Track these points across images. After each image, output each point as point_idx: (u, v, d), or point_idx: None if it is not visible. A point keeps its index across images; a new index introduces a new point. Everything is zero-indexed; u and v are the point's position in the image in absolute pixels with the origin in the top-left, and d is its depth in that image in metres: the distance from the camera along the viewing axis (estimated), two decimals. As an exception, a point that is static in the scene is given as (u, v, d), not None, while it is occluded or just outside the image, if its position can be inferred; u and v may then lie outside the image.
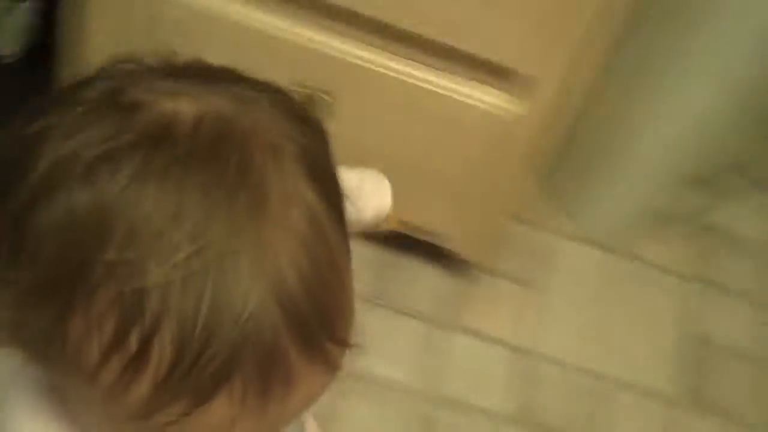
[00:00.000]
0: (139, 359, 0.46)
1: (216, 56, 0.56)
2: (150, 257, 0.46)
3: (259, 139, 0.50)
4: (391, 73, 1.31)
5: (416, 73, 1.31)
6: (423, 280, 1.66)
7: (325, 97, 1.31)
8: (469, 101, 1.33)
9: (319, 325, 0.50)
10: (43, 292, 0.48)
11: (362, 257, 1.57)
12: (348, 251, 0.54)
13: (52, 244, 0.48)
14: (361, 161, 0.86)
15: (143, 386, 0.47)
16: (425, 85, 1.32)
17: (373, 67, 1.31)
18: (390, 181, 0.97)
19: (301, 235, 0.49)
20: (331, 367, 0.52)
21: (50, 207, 0.48)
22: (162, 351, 0.46)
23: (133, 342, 0.46)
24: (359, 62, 1.31)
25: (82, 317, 0.47)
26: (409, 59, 1.30)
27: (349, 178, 0.60)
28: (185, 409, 0.47)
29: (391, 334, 1.58)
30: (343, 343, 0.52)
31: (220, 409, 0.48)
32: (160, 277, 0.46)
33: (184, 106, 0.50)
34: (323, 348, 0.50)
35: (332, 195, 0.54)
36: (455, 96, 1.33)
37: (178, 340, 0.46)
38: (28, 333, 0.50)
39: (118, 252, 0.46)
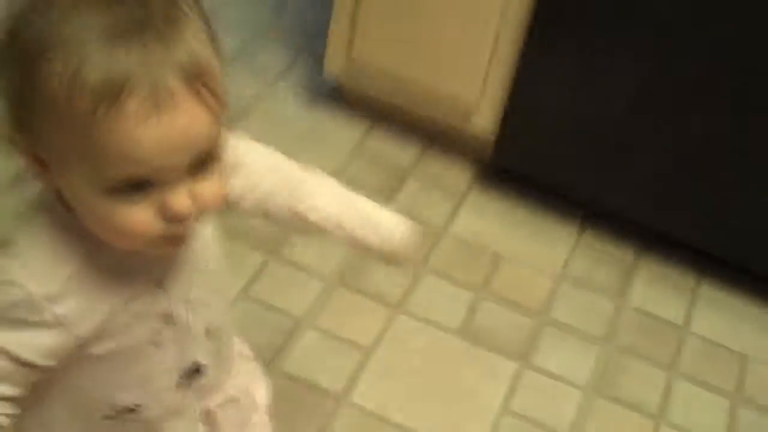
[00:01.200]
0: (103, 100, 0.80)
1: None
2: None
3: None
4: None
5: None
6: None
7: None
8: None
9: (196, 75, 0.83)
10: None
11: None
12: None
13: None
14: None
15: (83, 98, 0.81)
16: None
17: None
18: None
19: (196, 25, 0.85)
20: (210, 110, 0.84)
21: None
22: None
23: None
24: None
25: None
26: None
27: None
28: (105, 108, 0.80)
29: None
30: (216, 95, 0.85)
31: (130, 110, 0.80)
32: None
33: None
34: (200, 91, 0.83)
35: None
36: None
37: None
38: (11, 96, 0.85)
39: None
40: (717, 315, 2.17)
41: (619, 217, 2.26)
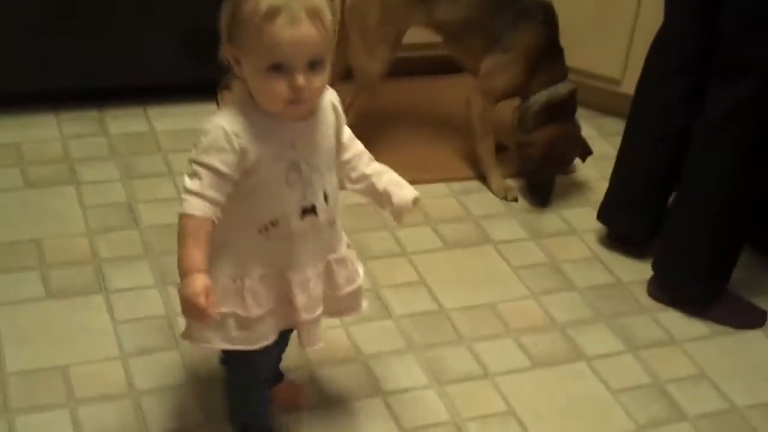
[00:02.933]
0: (266, 16, 1.49)
1: None
2: None
3: None
4: None
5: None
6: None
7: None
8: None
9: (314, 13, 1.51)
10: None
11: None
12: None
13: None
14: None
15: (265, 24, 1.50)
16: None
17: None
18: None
19: None
20: (319, 32, 1.51)
21: None
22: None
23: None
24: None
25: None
26: None
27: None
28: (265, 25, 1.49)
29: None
30: (324, 26, 1.51)
31: (278, 23, 1.49)
32: None
33: None
34: (314, 20, 1.51)
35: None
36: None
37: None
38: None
39: None
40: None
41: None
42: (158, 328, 2.18)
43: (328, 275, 1.75)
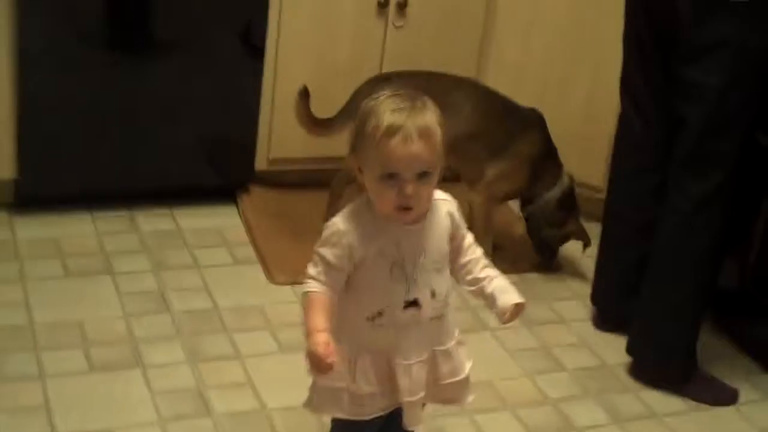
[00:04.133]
0: (384, 134, 1.73)
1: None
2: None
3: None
4: None
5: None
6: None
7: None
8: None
9: (426, 133, 1.75)
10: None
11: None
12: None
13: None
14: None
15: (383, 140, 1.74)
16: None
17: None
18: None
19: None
20: (429, 150, 1.74)
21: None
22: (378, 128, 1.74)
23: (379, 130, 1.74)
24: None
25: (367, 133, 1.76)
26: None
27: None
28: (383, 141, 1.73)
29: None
30: (433, 144, 1.75)
31: (395, 141, 1.72)
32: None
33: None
34: (426, 139, 1.75)
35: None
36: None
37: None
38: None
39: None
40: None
41: None
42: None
43: (432, 364, 1.92)
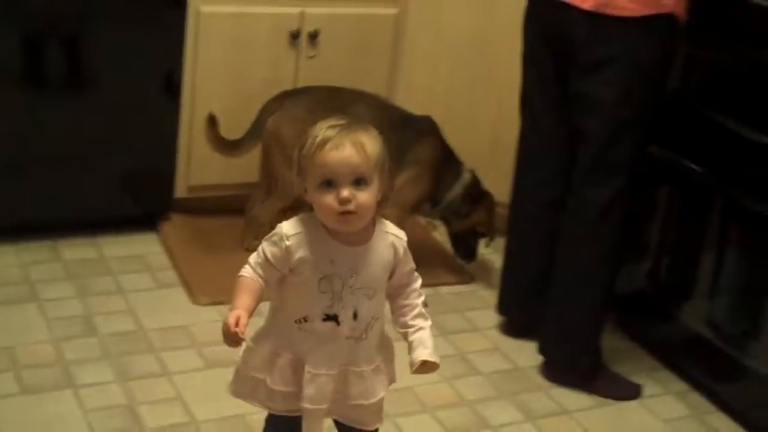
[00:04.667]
0: (318, 145, 1.88)
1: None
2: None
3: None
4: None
5: None
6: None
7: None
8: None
9: (358, 143, 1.88)
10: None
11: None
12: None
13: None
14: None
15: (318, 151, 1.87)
16: None
17: None
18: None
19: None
20: (360, 156, 1.86)
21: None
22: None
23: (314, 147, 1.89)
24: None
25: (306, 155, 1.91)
26: None
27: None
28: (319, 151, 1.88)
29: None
30: (366, 152, 1.88)
31: (327, 149, 1.87)
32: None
33: None
34: (357, 147, 1.87)
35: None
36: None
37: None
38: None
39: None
40: None
41: None
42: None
43: (343, 382, 2.01)
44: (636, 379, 2.91)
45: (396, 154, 3.19)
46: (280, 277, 1.95)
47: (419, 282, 2.05)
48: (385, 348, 2.07)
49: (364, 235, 1.96)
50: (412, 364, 1.97)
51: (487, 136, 3.59)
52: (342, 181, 1.87)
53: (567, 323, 2.82)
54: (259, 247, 1.95)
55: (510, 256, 3.04)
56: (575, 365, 2.85)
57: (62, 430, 2.43)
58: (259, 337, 2.00)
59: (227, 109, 3.31)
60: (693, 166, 2.86)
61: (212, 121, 3.24)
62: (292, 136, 3.14)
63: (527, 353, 2.97)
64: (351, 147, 1.87)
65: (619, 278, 2.92)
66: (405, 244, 2.01)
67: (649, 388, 2.90)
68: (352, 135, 1.89)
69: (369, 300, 1.97)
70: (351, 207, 1.87)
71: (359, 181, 1.88)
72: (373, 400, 2.04)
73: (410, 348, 1.99)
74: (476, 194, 3.36)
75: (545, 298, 2.89)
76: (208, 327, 2.91)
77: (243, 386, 2.05)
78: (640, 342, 3.10)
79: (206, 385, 2.66)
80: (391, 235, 2.00)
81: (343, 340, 1.97)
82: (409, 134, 3.25)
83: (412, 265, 2.04)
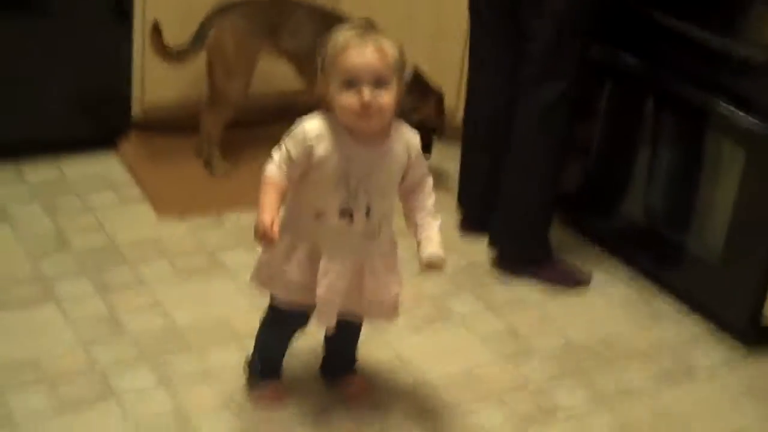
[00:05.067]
0: (342, 48, 2.04)
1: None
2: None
3: None
4: None
5: None
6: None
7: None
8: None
9: (379, 46, 2.04)
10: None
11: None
12: None
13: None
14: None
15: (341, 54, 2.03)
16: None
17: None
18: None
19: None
20: (382, 58, 2.02)
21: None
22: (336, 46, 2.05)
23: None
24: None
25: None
26: None
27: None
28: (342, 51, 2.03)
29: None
30: (386, 55, 2.03)
31: (351, 52, 2.02)
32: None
33: None
34: (379, 50, 2.03)
35: None
36: None
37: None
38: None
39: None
40: None
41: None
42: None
43: (358, 278, 2.17)
44: (583, 266, 3.10)
45: None
46: (300, 173, 2.08)
47: (431, 183, 2.21)
48: (395, 249, 2.24)
49: (382, 137, 2.10)
50: (421, 261, 2.14)
51: (428, 42, 3.68)
52: (363, 82, 1.99)
53: (517, 214, 3.00)
54: (282, 145, 2.09)
55: (466, 152, 3.20)
56: (526, 255, 3.03)
57: (48, 337, 2.53)
58: (283, 224, 2.11)
59: (174, 19, 3.35)
60: (629, 60, 3.02)
61: (156, 30, 3.30)
62: (234, 47, 3.29)
63: (482, 250, 3.13)
64: (373, 50, 2.00)
65: (564, 175, 3.10)
66: (419, 147, 2.15)
67: (597, 276, 3.09)
68: (373, 38, 2.01)
69: (382, 199, 2.13)
70: (372, 108, 2.00)
71: (379, 83, 2.01)
72: (388, 297, 2.22)
73: (419, 246, 2.16)
74: (421, 89, 3.43)
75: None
76: (177, 238, 3.03)
77: (262, 274, 2.21)
78: (587, 235, 3.29)
79: (182, 292, 2.78)
80: (407, 138, 2.14)
81: (357, 236, 2.13)
82: None
83: (425, 167, 2.19)
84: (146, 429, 2.27)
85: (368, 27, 2.04)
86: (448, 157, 3.52)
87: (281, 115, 3.68)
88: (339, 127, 2.07)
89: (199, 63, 3.34)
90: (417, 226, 2.19)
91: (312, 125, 2.08)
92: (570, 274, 3.05)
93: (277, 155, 2.09)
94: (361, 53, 2.00)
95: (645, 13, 2.97)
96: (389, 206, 2.18)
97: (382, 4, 3.60)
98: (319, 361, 2.49)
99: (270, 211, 2.03)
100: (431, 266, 2.16)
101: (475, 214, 3.22)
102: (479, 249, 3.14)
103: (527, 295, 2.97)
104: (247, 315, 2.64)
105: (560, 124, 2.91)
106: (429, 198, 2.21)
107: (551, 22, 2.79)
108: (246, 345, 2.50)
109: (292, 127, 2.10)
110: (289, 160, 2.07)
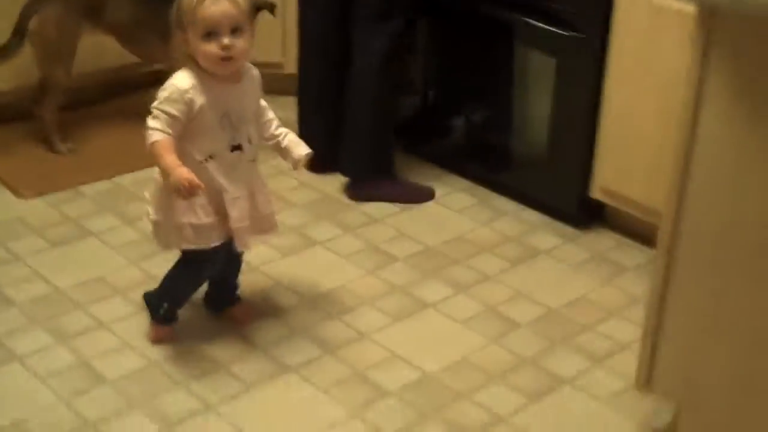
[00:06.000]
0: (198, 2, 2.24)
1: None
2: None
3: None
4: None
5: None
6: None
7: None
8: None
9: None
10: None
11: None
12: None
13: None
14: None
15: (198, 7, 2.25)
16: None
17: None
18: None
19: None
20: (236, 7, 2.24)
21: None
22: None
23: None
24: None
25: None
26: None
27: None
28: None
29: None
30: (239, 6, 2.26)
31: (207, 3, 2.24)
32: None
33: None
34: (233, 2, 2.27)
35: None
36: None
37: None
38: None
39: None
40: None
41: None
42: None
43: (252, 199, 2.42)
44: (426, 184, 3.38)
45: (163, 26, 3.38)
46: (182, 129, 2.27)
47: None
48: None
49: (239, 75, 2.34)
50: (295, 161, 2.46)
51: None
52: (222, 30, 2.23)
53: (361, 145, 3.25)
54: (156, 111, 2.25)
55: (304, 96, 3.44)
56: (372, 179, 3.28)
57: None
58: (166, 185, 2.27)
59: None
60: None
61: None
62: (56, 33, 3.39)
63: (334, 183, 3.37)
64: (227, 2, 2.23)
65: (401, 105, 3.38)
66: (260, 77, 2.42)
67: (439, 190, 3.37)
68: None
69: (252, 125, 2.39)
70: (232, 53, 2.24)
71: (236, 31, 2.24)
72: (272, 210, 2.52)
73: (288, 151, 2.47)
74: None
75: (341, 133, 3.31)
76: (41, 214, 3.16)
77: (168, 236, 2.39)
78: (427, 157, 3.56)
79: (60, 261, 2.90)
80: (252, 73, 2.40)
81: (246, 163, 2.39)
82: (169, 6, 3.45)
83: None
84: (56, 381, 2.41)
85: None
86: (288, 108, 3.73)
87: (113, 90, 3.87)
88: (205, 75, 2.29)
89: (25, 50, 3.42)
90: (275, 136, 2.48)
91: (183, 81, 2.28)
92: (415, 190, 3.32)
93: (157, 122, 2.24)
94: (217, 4, 2.22)
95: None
96: (257, 130, 2.43)
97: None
98: (203, 295, 2.68)
99: (183, 168, 2.20)
100: (306, 162, 2.50)
101: (320, 153, 3.43)
102: (330, 182, 3.38)
103: (380, 215, 3.22)
104: (124, 270, 2.82)
105: (393, 66, 3.19)
106: (270, 111, 2.50)
107: None
108: (130, 297, 2.67)
109: (160, 93, 2.27)
110: (172, 118, 2.25)
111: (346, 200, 3.30)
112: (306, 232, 3.11)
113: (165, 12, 3.39)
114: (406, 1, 3.16)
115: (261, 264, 2.89)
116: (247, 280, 2.76)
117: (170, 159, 2.21)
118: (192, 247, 2.39)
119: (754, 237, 1.90)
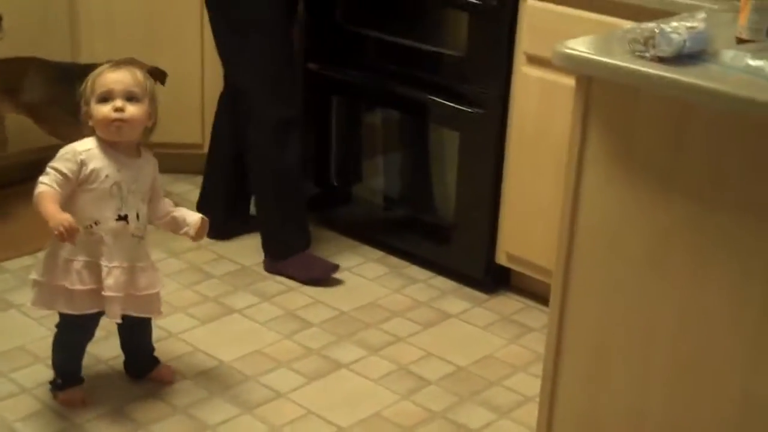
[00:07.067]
0: (98, 73, 2.45)
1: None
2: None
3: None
4: None
5: None
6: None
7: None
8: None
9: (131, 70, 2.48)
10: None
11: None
12: None
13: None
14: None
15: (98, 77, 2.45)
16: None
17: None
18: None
19: None
20: (133, 78, 2.45)
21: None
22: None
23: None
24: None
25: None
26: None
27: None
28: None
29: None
30: (138, 80, 2.47)
31: (104, 72, 2.46)
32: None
33: None
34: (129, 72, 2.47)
35: None
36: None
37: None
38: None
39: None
40: None
41: None
42: None
43: (132, 276, 2.47)
44: (339, 255, 3.51)
45: (72, 105, 3.48)
46: (71, 190, 2.36)
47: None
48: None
49: (138, 152, 2.47)
50: (194, 227, 2.56)
51: (169, 93, 3.98)
52: (116, 96, 2.39)
53: (270, 225, 3.40)
54: (49, 169, 2.36)
55: (210, 171, 3.60)
56: (284, 257, 3.38)
57: None
58: (52, 249, 2.40)
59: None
60: (351, 73, 3.48)
61: None
62: None
63: (252, 255, 3.48)
64: (125, 70, 2.41)
65: (311, 180, 3.53)
66: (157, 165, 2.55)
67: (352, 260, 3.50)
68: (126, 65, 2.40)
69: (143, 204, 2.49)
70: (124, 116, 2.37)
71: (131, 98, 2.39)
72: (158, 289, 2.56)
73: (182, 220, 2.57)
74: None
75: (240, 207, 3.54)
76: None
77: (44, 297, 2.46)
78: (338, 229, 3.70)
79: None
80: (149, 157, 2.52)
81: (130, 237, 2.46)
82: (78, 85, 3.55)
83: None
84: (-25, 445, 2.46)
85: (125, 61, 2.44)
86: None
87: (39, 170, 3.96)
88: (104, 145, 2.42)
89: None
90: (169, 212, 2.59)
91: (82, 144, 2.42)
92: (321, 267, 3.39)
93: (46, 177, 2.35)
94: (114, 72, 2.41)
95: (357, 30, 3.45)
96: (148, 211, 2.53)
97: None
98: (122, 363, 2.76)
99: (64, 214, 2.29)
100: (201, 229, 2.58)
101: (220, 225, 3.46)
102: (248, 254, 3.49)
103: (295, 284, 3.33)
104: (45, 341, 2.88)
105: (294, 141, 3.30)
106: (168, 200, 2.64)
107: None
108: (49, 363, 2.74)
109: (58, 153, 2.39)
110: (62, 176, 2.35)
111: (262, 272, 3.42)
112: (224, 301, 3.22)
113: (77, 91, 3.55)
114: (299, 89, 3.36)
115: (180, 332, 2.99)
116: (166, 347, 2.86)
117: (52, 207, 2.29)
118: (65, 311, 2.47)
119: (635, 293, 2.04)
